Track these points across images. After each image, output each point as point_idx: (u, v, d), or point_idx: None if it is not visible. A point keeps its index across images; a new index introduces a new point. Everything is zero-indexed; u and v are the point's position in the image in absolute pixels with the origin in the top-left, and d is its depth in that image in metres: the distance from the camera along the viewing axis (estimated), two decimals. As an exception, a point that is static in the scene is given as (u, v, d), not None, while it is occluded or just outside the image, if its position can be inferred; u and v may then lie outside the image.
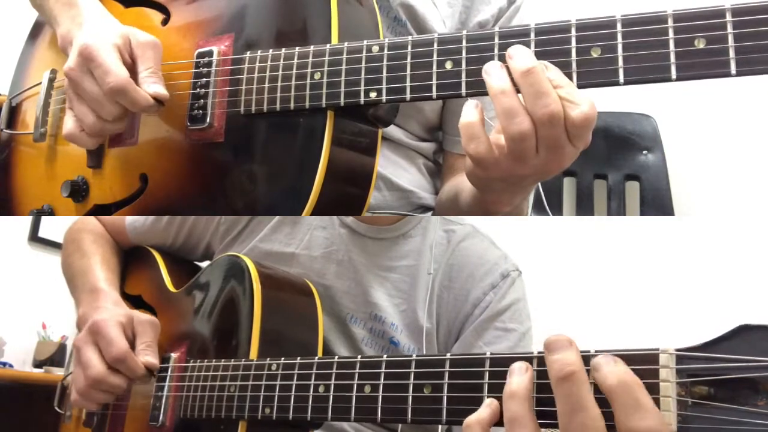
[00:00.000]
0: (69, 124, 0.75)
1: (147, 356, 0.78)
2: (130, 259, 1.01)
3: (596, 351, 0.48)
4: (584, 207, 2.06)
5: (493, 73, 0.58)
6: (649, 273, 1.91)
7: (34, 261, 2.34)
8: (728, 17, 0.52)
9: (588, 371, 0.47)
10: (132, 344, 0.79)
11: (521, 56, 0.57)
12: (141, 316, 0.81)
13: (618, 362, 0.46)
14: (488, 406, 0.51)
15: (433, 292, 0.88)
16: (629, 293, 1.91)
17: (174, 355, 0.83)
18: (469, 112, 0.60)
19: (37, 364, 2.26)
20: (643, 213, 2.00)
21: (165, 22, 0.83)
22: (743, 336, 0.43)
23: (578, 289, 2.00)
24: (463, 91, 0.62)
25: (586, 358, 0.47)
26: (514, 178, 0.62)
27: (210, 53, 0.75)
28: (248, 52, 0.73)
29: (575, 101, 0.55)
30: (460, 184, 0.84)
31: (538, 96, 0.55)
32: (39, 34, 0.98)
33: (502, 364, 0.52)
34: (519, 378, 0.49)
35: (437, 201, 0.98)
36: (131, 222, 0.98)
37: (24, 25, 1.00)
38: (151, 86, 0.72)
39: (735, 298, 1.72)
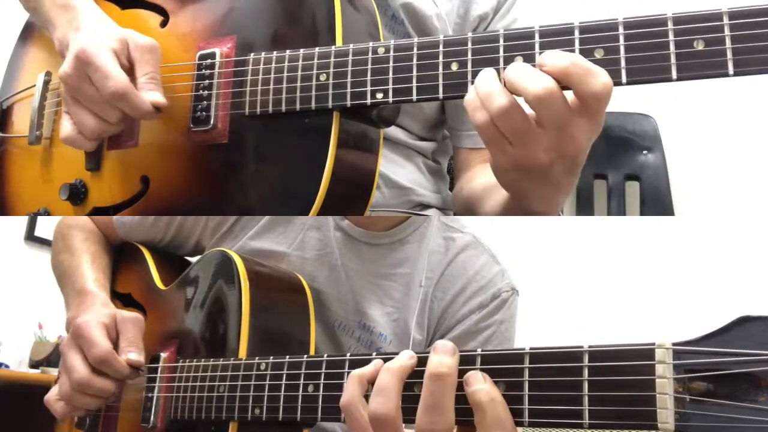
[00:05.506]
0: (67, 127, 0.74)
1: (130, 353, 0.77)
2: (120, 256, 1.00)
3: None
4: (584, 207, 2.05)
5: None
6: (649, 272, 1.90)
7: (30, 260, 2.33)
8: (726, 20, 0.54)
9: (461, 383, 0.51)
10: (116, 344, 0.78)
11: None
12: (124, 314, 0.80)
13: (487, 379, 0.50)
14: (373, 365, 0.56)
15: (425, 302, 0.86)
16: (629, 293, 1.90)
17: (164, 355, 0.82)
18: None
19: (34, 365, 2.26)
20: (643, 213, 2.00)
21: (164, 24, 0.82)
22: (743, 328, 0.41)
23: (578, 288, 2.00)
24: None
25: (462, 371, 0.51)
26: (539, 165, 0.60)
27: (212, 55, 0.75)
28: (252, 54, 0.73)
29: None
30: (488, 184, 0.82)
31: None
32: (30, 36, 0.97)
33: (492, 361, 0.51)
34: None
35: (453, 199, 0.96)
36: (119, 218, 0.97)
37: (15, 26, 0.99)
38: (149, 93, 0.71)
39: (735, 298, 1.71)
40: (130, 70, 0.72)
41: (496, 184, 0.67)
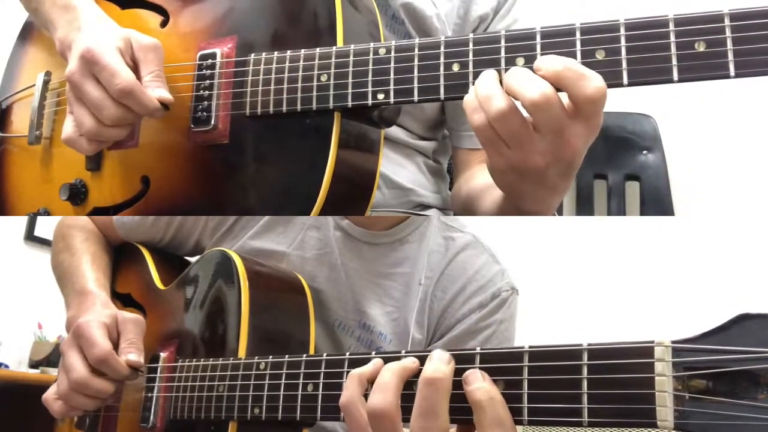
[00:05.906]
0: (68, 128, 0.74)
1: (130, 354, 0.77)
2: (120, 256, 1.00)
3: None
4: (584, 207, 2.05)
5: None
6: (649, 272, 1.90)
7: (30, 260, 2.33)
8: (727, 22, 0.54)
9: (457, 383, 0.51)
10: (116, 345, 0.77)
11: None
12: (125, 315, 0.80)
13: (486, 378, 0.50)
14: (373, 364, 0.56)
15: (425, 301, 0.86)
16: (629, 292, 1.90)
17: (163, 355, 0.82)
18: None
19: (33, 365, 2.25)
20: (643, 213, 2.00)
21: (164, 23, 0.82)
22: (742, 326, 0.41)
23: (578, 288, 2.00)
24: None
25: (461, 370, 0.52)
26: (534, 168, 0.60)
27: (213, 55, 0.75)
28: (252, 54, 0.73)
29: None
30: (486, 184, 0.82)
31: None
32: (29, 36, 0.97)
33: (491, 360, 0.51)
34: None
35: (452, 199, 0.96)
36: (119, 218, 0.97)
37: (15, 26, 0.99)
38: (156, 91, 0.71)
39: (735, 298, 1.71)
40: (134, 69, 0.72)
41: (493, 183, 0.68)
